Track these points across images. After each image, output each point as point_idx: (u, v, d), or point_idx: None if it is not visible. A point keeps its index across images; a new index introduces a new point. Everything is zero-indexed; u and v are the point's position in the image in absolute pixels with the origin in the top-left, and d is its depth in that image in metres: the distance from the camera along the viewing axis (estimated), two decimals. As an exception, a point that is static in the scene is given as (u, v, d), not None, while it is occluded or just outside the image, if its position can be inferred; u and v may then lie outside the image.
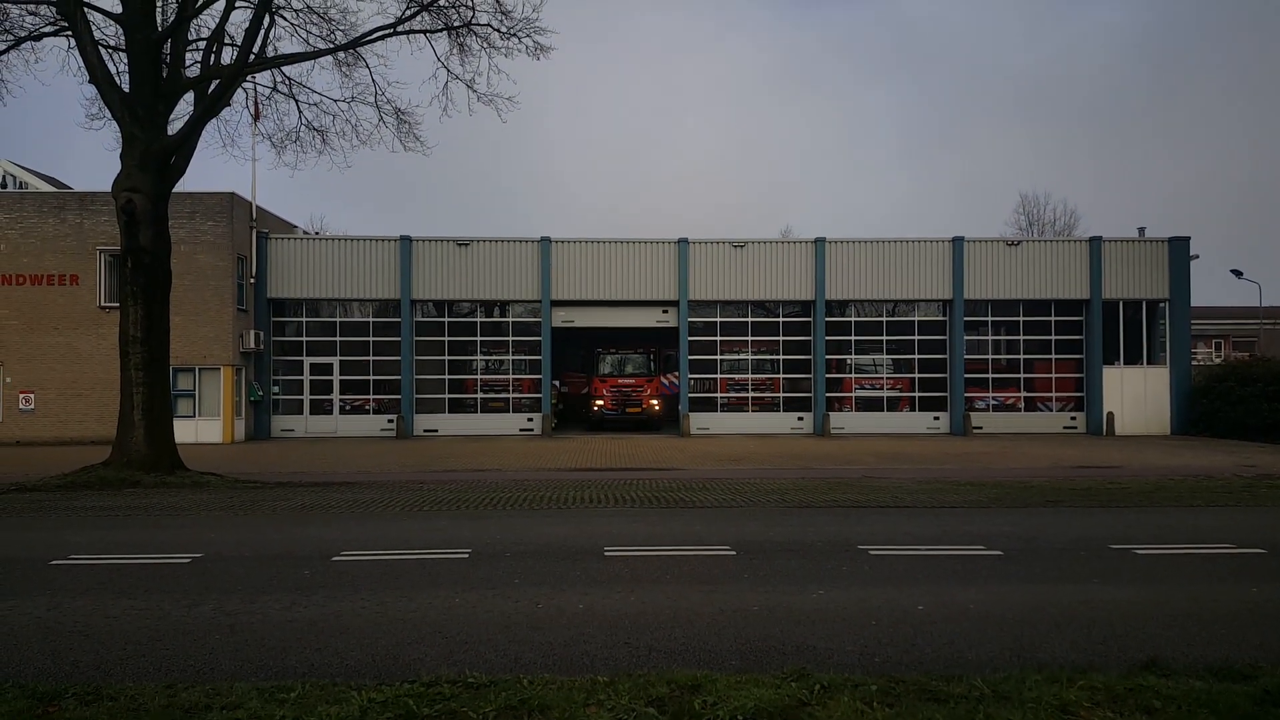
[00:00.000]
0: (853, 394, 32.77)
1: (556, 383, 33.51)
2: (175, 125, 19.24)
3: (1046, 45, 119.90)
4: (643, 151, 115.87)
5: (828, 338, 32.05)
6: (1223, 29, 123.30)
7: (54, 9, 18.50)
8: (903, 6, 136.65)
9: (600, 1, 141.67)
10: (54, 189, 37.60)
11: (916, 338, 32.74)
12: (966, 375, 32.18)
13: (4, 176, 41.47)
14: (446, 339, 32.39)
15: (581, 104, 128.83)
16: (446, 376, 32.46)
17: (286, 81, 21.48)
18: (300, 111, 21.61)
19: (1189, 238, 31.93)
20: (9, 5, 18.89)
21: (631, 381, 33.70)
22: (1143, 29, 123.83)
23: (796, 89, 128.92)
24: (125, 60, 18.68)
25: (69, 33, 18.53)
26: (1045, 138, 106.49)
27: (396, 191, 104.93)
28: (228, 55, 19.98)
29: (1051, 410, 32.77)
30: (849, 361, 32.90)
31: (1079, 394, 32.58)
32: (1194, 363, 34.45)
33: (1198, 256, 32.04)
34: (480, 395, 32.66)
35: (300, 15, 20.50)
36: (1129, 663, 6.16)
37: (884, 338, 32.93)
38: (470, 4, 19.61)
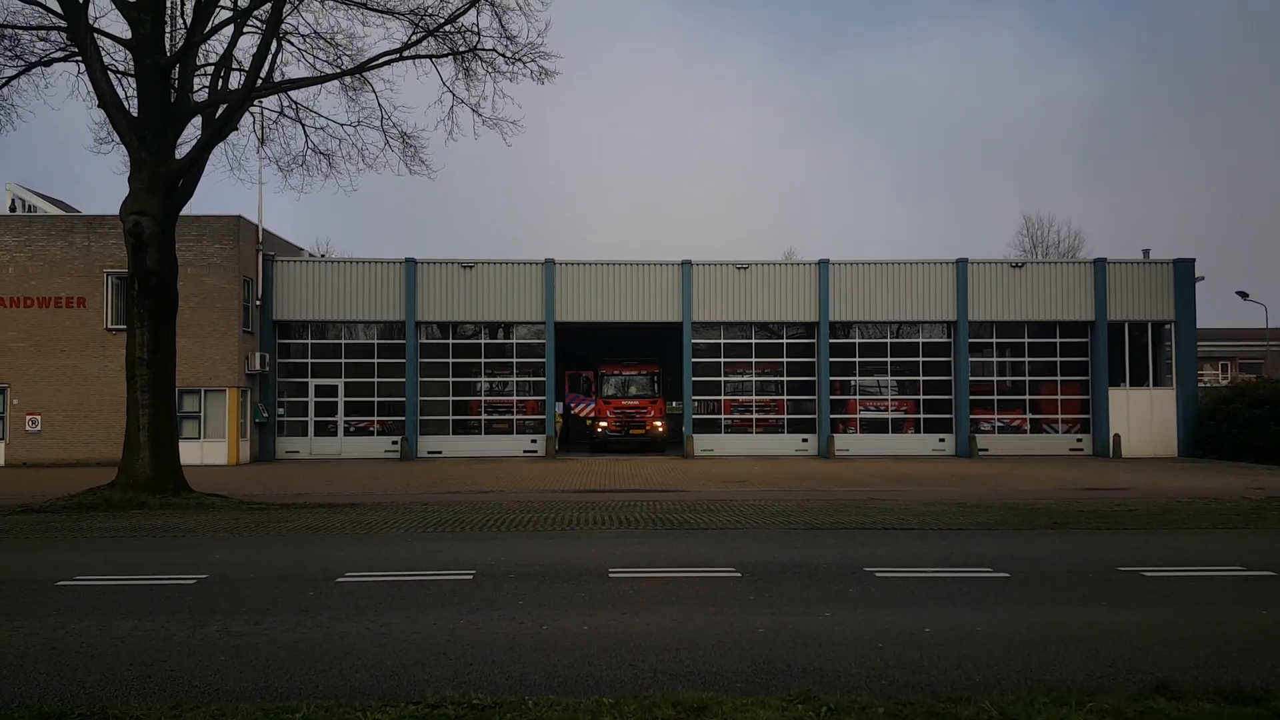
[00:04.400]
0: (857, 416, 32.69)
1: (560, 405, 33.51)
2: (183, 149, 19.40)
3: (1038, 91, 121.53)
4: (646, 189, 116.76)
5: (832, 359, 32.01)
6: (1212, 65, 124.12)
7: (64, 35, 18.71)
8: (896, 61, 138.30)
9: (605, 44, 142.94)
10: (62, 212, 37.86)
11: (921, 359, 32.70)
12: (971, 397, 32.09)
13: (13, 200, 41.76)
14: (451, 360, 32.43)
15: (585, 141, 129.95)
16: (451, 398, 32.48)
17: (293, 106, 21.69)
18: (307, 135, 21.81)
19: (1194, 259, 31.91)
20: (19, 31, 19.12)
21: (635, 403, 33.67)
22: (1124, 84, 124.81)
23: (798, 132, 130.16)
24: (134, 85, 18.85)
25: (78, 58, 18.73)
26: (1042, 173, 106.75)
27: (402, 214, 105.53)
28: (235, 80, 20.19)
29: (1057, 432, 32.66)
30: (853, 383, 32.85)
31: (1085, 416, 32.47)
32: (1200, 385, 34.33)
33: (1203, 278, 32.00)
34: (484, 417, 32.64)
35: (307, 41, 20.76)
36: (1138, 685, 6.13)
37: (888, 359, 32.89)
38: (476, 30, 19.83)
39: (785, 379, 32.81)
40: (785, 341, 32.90)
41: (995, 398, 32.70)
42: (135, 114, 18.42)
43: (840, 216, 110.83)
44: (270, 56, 19.09)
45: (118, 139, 18.78)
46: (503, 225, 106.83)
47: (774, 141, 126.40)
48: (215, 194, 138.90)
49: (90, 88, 18.34)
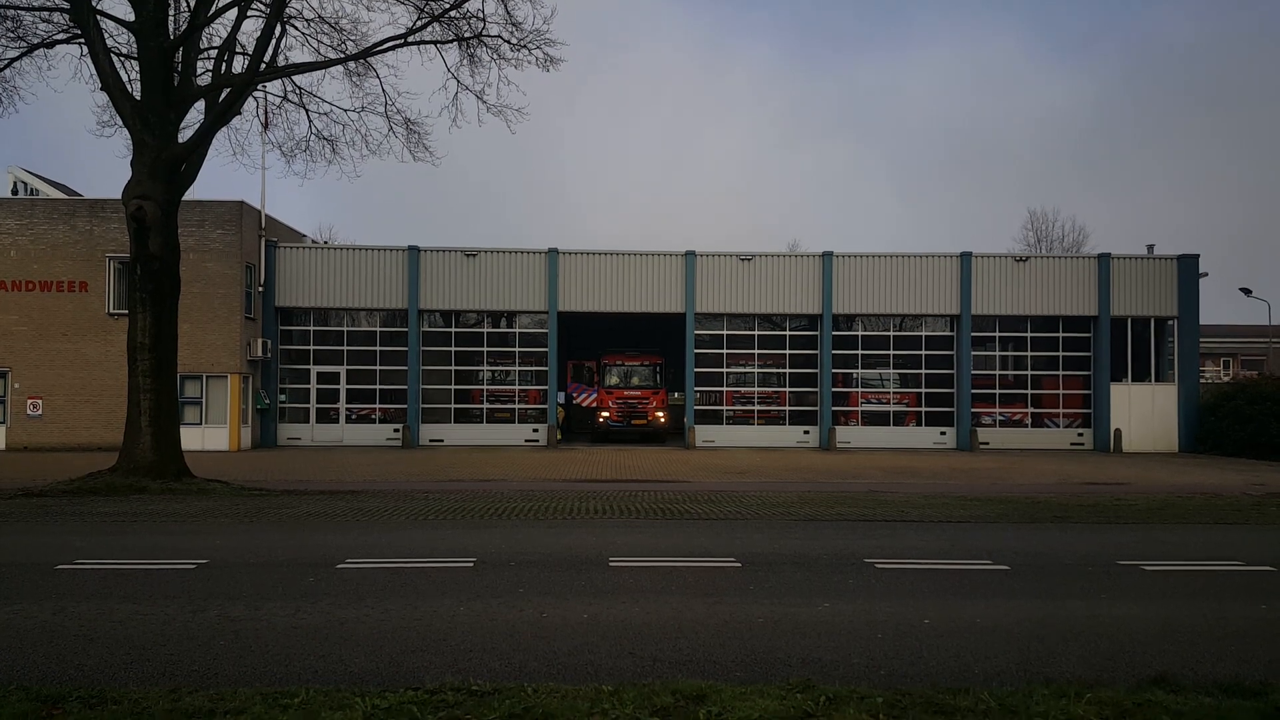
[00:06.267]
0: (859, 408, 32.68)
1: (562, 395, 33.52)
2: (186, 133, 19.35)
3: (1034, 97, 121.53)
4: (651, 185, 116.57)
5: (834, 351, 31.98)
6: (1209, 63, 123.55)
7: (67, 16, 18.63)
8: (896, 67, 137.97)
9: (612, 42, 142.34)
10: (64, 196, 37.82)
11: (923, 352, 32.66)
12: (973, 390, 32.06)
13: (15, 183, 41.75)
14: (453, 349, 32.42)
15: (591, 136, 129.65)
16: (453, 386, 32.47)
17: (297, 91, 21.62)
18: (310, 121, 21.74)
19: (1198, 255, 31.83)
20: (22, 12, 19.04)
21: (638, 393, 33.68)
22: (1114, 81, 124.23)
23: (801, 132, 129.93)
24: (137, 68, 18.80)
25: (81, 40, 18.65)
26: (1042, 176, 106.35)
27: (405, 202, 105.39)
28: (239, 64, 20.10)
29: (1059, 426, 32.63)
30: (855, 375, 32.81)
31: (1086, 410, 32.44)
32: (1202, 380, 34.28)
33: (1206, 274, 31.93)
34: (486, 405, 32.65)
35: (311, 25, 20.66)
36: (1137, 678, 6.12)
37: (891, 352, 32.84)
38: (481, 15, 19.73)
39: (787, 371, 32.77)
40: (788, 333, 32.84)
41: (997, 391, 32.66)
42: (138, 97, 18.36)
43: (843, 216, 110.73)
44: (274, 40, 19.03)
45: (120, 122, 18.71)
46: (507, 215, 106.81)
47: (777, 141, 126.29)
48: (218, 179, 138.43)
49: (93, 70, 18.27)
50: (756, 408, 32.86)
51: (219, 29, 20.38)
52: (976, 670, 6.39)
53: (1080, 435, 32.41)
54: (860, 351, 32.65)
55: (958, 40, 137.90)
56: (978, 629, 7.48)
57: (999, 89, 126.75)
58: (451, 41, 20.01)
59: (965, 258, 31.79)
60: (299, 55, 23.91)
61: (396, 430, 31.42)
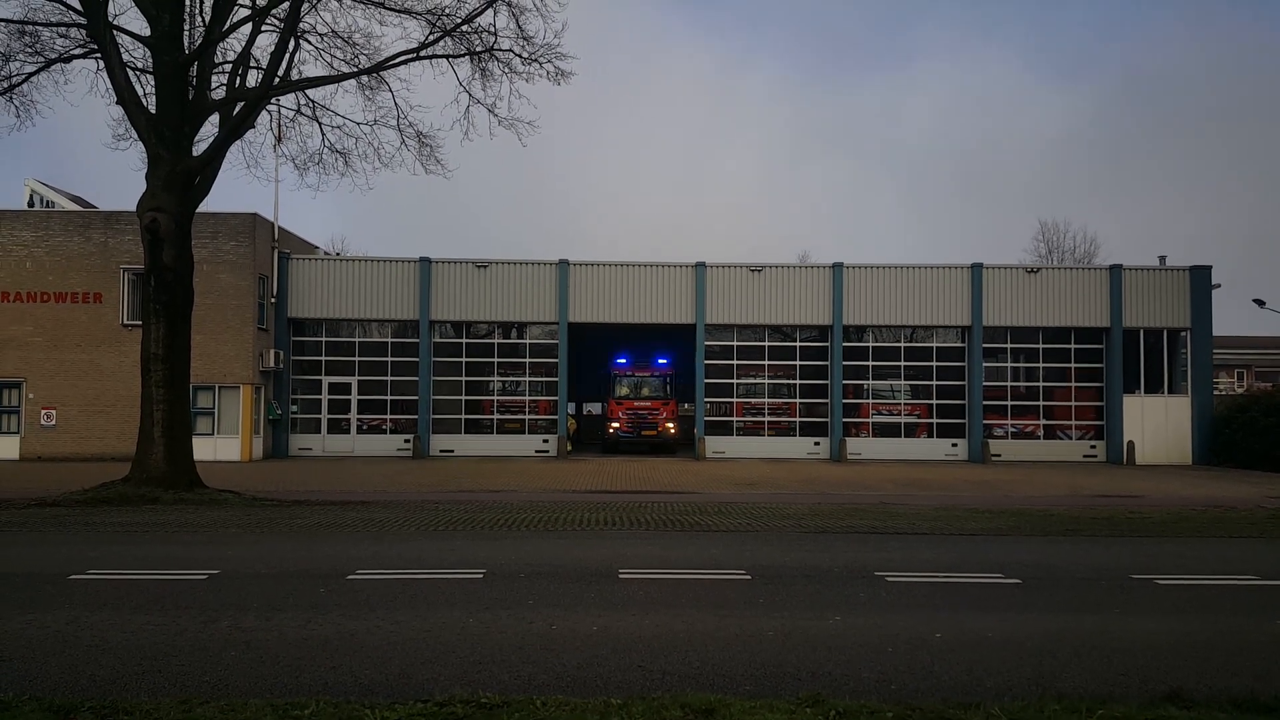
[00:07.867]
0: (870, 419, 32.59)
1: (572, 406, 33.55)
2: (200, 146, 19.50)
3: (1035, 116, 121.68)
4: (662, 200, 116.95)
5: (845, 363, 31.91)
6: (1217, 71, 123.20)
7: (83, 31, 18.84)
8: (900, 85, 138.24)
9: (622, 58, 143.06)
10: (80, 208, 38.13)
11: (935, 364, 32.57)
12: (985, 402, 31.93)
13: (31, 196, 42.12)
14: (464, 360, 32.51)
15: (603, 150, 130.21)
16: (463, 397, 32.54)
17: (310, 104, 21.79)
18: (323, 134, 21.90)
19: (1210, 266, 31.68)
20: (40, 28, 19.27)
21: (648, 404, 33.66)
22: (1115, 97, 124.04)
23: (808, 150, 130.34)
24: (152, 82, 18.99)
25: (98, 55, 18.85)
26: (1050, 193, 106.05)
27: (418, 214, 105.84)
28: (253, 78, 20.28)
29: (1071, 438, 32.47)
30: (866, 387, 32.75)
31: (1099, 422, 32.27)
32: (1216, 393, 34.07)
33: (1219, 285, 31.76)
34: (496, 416, 32.71)
35: (325, 40, 20.85)
36: (1150, 694, 6.08)
37: (902, 363, 32.78)
38: (493, 30, 19.86)
39: (798, 382, 32.75)
40: (798, 344, 32.82)
41: (1009, 403, 32.54)
42: (153, 111, 18.53)
43: (852, 230, 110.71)
44: (288, 55, 19.16)
45: (136, 136, 18.89)
46: (517, 227, 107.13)
47: (786, 156, 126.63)
48: (231, 192, 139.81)
49: (109, 84, 18.45)
50: (767, 419, 32.83)
51: (233, 44, 20.61)
52: (988, 685, 6.36)
53: (1093, 447, 32.23)
54: (871, 363, 32.60)
55: (961, 58, 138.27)
56: (989, 643, 7.45)
57: (1004, 105, 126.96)
58: (463, 56, 20.15)
59: (976, 269, 31.73)
60: (312, 69, 24.05)
61: (407, 441, 31.49)
